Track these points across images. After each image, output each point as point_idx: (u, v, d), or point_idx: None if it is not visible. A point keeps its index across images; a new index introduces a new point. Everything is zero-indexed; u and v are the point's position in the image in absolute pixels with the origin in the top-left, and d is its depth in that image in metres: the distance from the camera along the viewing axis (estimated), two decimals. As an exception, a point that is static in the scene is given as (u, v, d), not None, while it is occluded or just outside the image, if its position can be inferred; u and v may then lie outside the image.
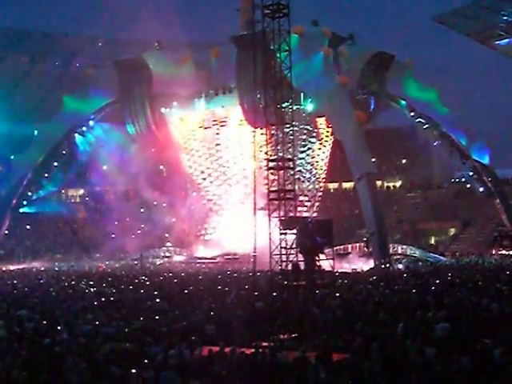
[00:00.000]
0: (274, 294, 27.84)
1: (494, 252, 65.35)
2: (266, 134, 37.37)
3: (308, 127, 69.86)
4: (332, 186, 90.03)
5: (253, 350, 15.42)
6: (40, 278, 44.24)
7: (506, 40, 77.64)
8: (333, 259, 35.05)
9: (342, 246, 61.00)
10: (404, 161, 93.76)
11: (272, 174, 37.17)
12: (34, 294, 31.11)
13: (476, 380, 13.29)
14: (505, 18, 73.77)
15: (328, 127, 69.95)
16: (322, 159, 72.86)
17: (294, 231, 34.89)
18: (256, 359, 14.83)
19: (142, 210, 76.62)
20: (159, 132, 74.44)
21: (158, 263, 67.99)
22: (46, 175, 74.23)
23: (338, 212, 77.35)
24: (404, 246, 64.86)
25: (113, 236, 72.92)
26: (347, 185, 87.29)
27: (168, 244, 74.04)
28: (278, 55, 36.83)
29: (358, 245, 64.59)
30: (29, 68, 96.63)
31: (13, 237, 75.03)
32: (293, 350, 15.84)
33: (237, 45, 65.90)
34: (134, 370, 13.85)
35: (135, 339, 17.08)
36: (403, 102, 71.20)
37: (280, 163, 36.88)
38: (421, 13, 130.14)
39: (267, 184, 37.75)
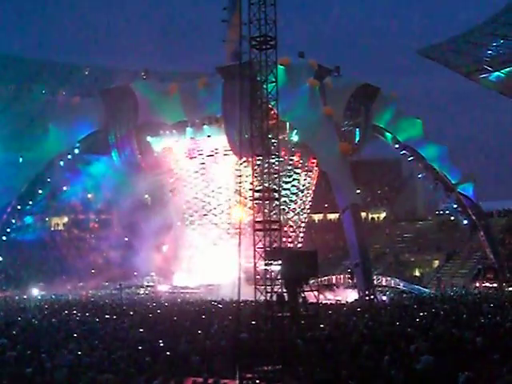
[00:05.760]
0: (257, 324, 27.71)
1: (477, 284, 65.45)
2: (252, 165, 37.37)
3: (293, 158, 69.95)
4: (317, 216, 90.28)
5: (236, 382, 15.35)
6: (23, 307, 43.90)
7: (490, 73, 78.29)
8: (317, 290, 34.88)
9: (326, 277, 61.01)
10: (388, 192, 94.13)
11: (257, 204, 37.11)
12: (16, 322, 30.86)
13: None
14: (489, 52, 74.43)
15: (313, 158, 70.04)
16: (307, 190, 72.94)
17: (279, 262, 34.75)
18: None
19: (125, 239, 76.17)
20: (144, 161, 74.18)
21: (141, 293, 67.58)
22: (31, 203, 73.94)
23: (323, 243, 77.34)
24: (388, 278, 64.91)
25: (95, 265, 72.61)
26: (332, 216, 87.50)
27: (151, 273, 73.62)
28: (265, 86, 36.93)
29: (342, 276, 64.60)
30: (15, 95, 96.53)
31: (-5, 265, 74.46)
32: (276, 382, 15.78)
33: (223, 75, 66.04)
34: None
35: (118, 369, 16.94)
36: (388, 133, 71.56)
37: (265, 194, 36.83)
38: (406, 45, 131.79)
39: (252, 214, 37.67)
